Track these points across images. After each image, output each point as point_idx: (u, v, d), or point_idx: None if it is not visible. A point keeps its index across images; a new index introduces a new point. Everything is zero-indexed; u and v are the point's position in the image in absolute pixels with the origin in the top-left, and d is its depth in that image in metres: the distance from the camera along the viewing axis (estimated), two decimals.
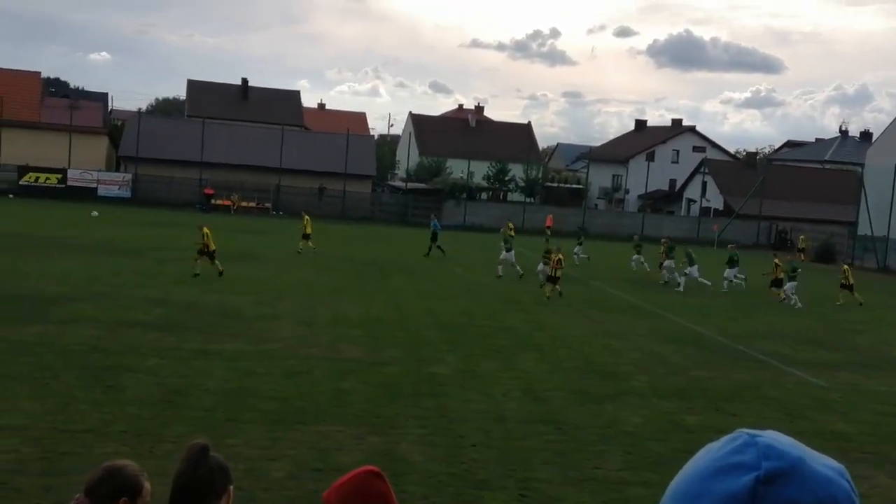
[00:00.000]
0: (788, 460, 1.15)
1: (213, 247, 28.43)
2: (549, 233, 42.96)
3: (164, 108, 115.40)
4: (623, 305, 29.32)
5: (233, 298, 24.21)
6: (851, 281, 34.73)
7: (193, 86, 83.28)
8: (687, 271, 34.97)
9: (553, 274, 29.39)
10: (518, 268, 34.34)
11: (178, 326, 19.71)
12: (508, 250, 34.61)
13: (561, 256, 29.67)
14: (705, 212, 71.06)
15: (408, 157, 77.62)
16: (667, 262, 36.83)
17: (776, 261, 35.03)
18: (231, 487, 4.00)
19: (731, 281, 35.70)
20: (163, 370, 15.60)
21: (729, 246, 39.43)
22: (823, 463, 1.19)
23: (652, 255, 40.34)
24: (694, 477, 1.19)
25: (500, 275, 33.79)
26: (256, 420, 13.05)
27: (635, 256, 40.34)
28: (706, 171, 73.25)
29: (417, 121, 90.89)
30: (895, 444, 14.53)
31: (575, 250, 41.75)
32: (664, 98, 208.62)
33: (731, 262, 35.85)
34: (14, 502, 9.37)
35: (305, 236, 38.40)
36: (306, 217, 39.78)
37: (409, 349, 19.24)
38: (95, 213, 46.97)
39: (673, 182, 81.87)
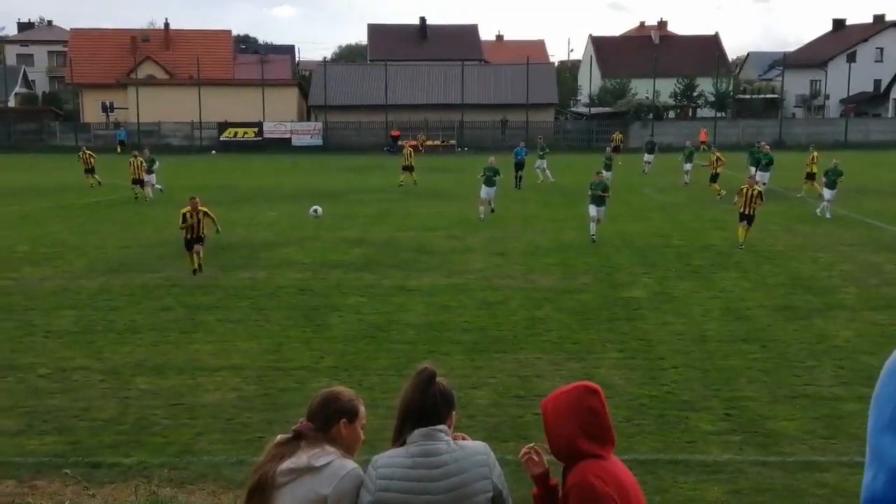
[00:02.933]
0: None
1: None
2: (704, 147, 41.64)
3: (348, 55, 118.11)
4: (829, 220, 27.85)
5: (426, 235, 24.74)
6: (815, 170, 33.36)
7: (374, 30, 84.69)
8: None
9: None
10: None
11: (376, 264, 20.37)
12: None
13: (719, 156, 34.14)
14: None
15: (590, 82, 76.15)
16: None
17: (716, 154, 34.47)
18: (454, 413, 4.14)
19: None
20: (365, 307, 16.20)
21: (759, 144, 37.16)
22: None
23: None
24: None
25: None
26: (456, 351, 13.36)
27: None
28: None
29: (598, 43, 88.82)
30: None
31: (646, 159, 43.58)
32: None
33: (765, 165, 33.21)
34: (242, 435, 10.05)
35: (407, 168, 38.37)
36: (408, 148, 39.77)
37: (602, 274, 19.10)
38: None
39: (878, 83, 76.44)
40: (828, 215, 27.93)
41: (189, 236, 18.89)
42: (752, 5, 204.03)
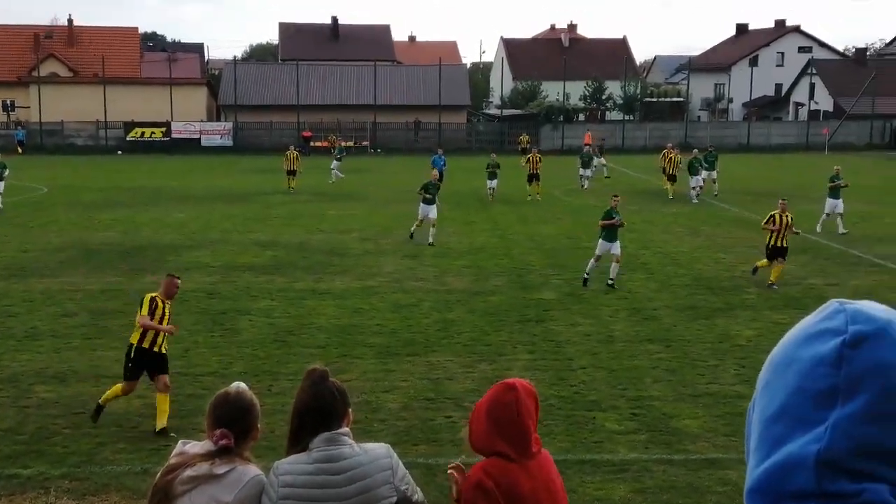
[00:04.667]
0: (876, 324, 1.13)
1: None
2: (588, 149, 40.96)
3: (259, 54, 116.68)
4: (732, 217, 28.65)
5: (338, 237, 24.61)
6: (675, 171, 33.97)
7: (285, 28, 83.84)
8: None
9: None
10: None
11: (288, 267, 20.17)
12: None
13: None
14: (814, 115, 68.35)
15: (501, 84, 76.78)
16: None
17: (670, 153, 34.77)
18: (350, 411, 4.12)
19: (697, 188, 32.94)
20: (275, 311, 16.04)
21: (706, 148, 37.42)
22: None
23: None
24: (786, 345, 1.20)
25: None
26: (368, 354, 13.33)
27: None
28: (813, 71, 70.25)
29: (509, 45, 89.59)
30: None
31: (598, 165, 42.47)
32: None
33: (697, 169, 33.09)
34: (147, 444, 9.84)
35: (290, 173, 36.26)
36: (291, 153, 36.88)
37: (513, 276, 19.28)
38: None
39: (779, 87, 78.85)
40: (695, 200, 31.45)
41: (146, 348, 10.41)
42: (659, 10, 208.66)
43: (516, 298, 17.14)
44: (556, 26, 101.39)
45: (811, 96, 69.27)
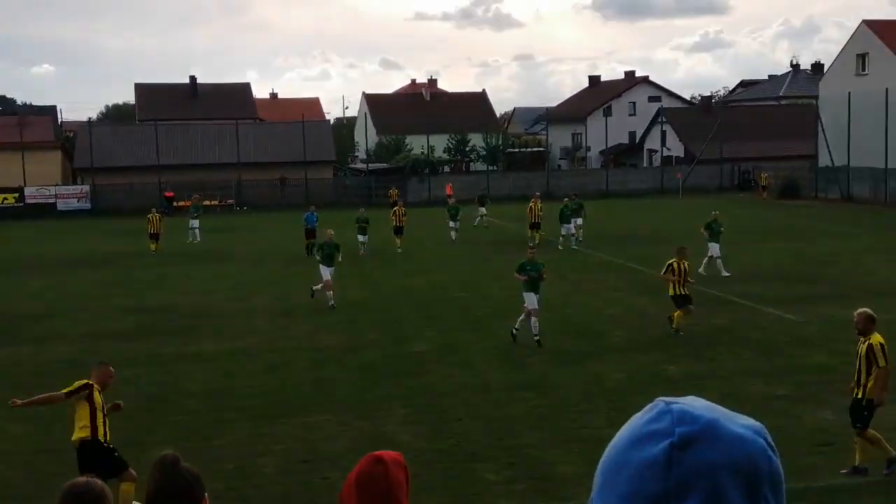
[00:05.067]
0: (701, 423, 1.15)
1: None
2: (451, 201, 41.01)
3: (115, 115, 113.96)
4: (596, 262, 29.45)
5: (207, 298, 24.06)
6: (538, 220, 34.85)
7: (142, 89, 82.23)
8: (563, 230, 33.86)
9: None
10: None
11: (153, 332, 19.57)
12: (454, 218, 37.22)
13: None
14: (667, 161, 71.32)
15: (366, 138, 77.25)
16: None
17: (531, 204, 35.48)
18: (206, 497, 3.99)
19: (569, 235, 33.76)
20: (142, 378, 15.50)
21: (571, 195, 37.99)
22: (741, 423, 1.18)
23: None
24: (615, 449, 1.21)
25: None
26: (241, 418, 13.02)
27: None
28: (664, 119, 73.45)
29: (372, 100, 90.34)
30: None
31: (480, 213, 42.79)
32: (615, 51, 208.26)
33: (568, 217, 33.62)
34: None
35: (154, 236, 35.21)
36: (154, 215, 35.86)
37: (387, 330, 19.24)
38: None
39: (633, 134, 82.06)
40: (573, 246, 32.54)
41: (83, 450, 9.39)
42: (514, 63, 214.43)
43: (391, 352, 17.09)
44: (417, 80, 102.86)
45: (663, 143, 72.32)
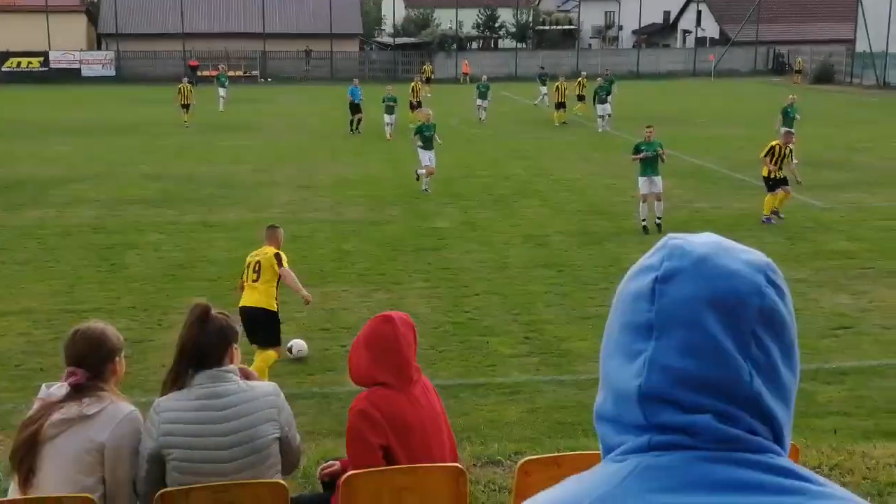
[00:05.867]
0: (690, 259, 1.14)
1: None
2: (483, 78, 39.70)
3: None
4: (623, 144, 29.12)
5: (230, 168, 24.10)
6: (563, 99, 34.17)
7: None
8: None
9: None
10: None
11: (177, 200, 19.69)
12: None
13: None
14: (701, 42, 69.64)
15: (393, 12, 75.71)
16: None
17: (559, 83, 34.75)
18: (235, 348, 4.05)
19: (605, 115, 32.92)
20: (164, 245, 15.67)
21: (604, 72, 37.43)
22: (741, 258, 1.16)
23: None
24: (622, 281, 1.23)
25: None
26: None
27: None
28: None
29: None
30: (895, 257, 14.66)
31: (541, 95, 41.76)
32: None
33: (604, 97, 32.67)
34: (31, 382, 9.56)
35: (185, 107, 34.32)
36: (185, 86, 34.97)
37: (408, 206, 19.25)
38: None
39: (667, 14, 79.91)
40: (606, 128, 31.53)
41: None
42: None
43: (412, 228, 17.13)
44: None
45: (698, 23, 70.47)
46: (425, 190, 20.50)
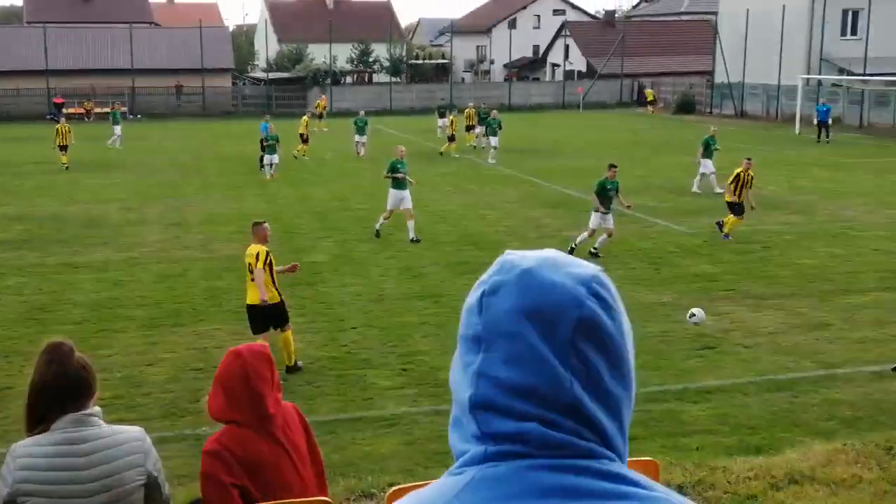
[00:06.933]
0: (514, 272, 1.20)
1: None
2: (361, 113, 39.05)
3: (2, 18, 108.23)
4: (497, 177, 29.61)
5: (97, 207, 23.42)
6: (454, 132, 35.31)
7: None
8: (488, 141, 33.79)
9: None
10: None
11: (40, 241, 19.00)
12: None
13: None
14: (569, 75, 71.63)
15: (266, 47, 75.21)
16: (478, 129, 37.91)
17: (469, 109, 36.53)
18: (96, 387, 3.92)
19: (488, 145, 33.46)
20: (26, 288, 15.09)
21: (492, 112, 37.98)
22: (569, 272, 1.20)
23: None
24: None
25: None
26: (130, 328, 12.82)
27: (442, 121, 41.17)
28: (567, 33, 73.53)
29: (272, 7, 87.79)
30: (754, 279, 15.33)
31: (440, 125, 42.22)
32: None
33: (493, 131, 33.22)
34: None
35: (63, 148, 32.26)
36: (62, 126, 32.83)
37: (284, 240, 19.06)
38: None
39: (536, 48, 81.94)
40: (491, 161, 31.89)
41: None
42: None
43: (287, 262, 16.94)
44: None
45: (566, 57, 72.52)
46: (416, 240, 18.62)
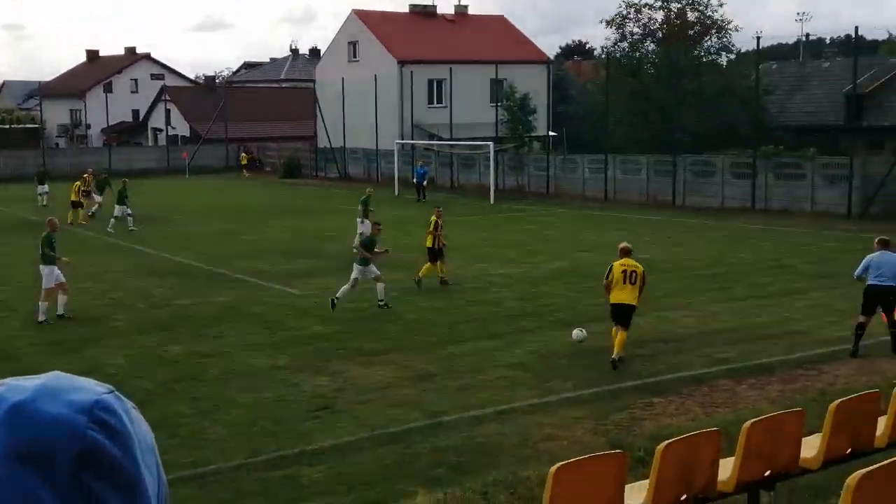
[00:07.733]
0: (3, 409, 1.04)
1: None
2: None
3: None
4: (100, 244, 28.17)
5: None
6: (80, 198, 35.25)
7: None
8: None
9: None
10: None
11: None
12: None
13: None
14: (173, 140, 70.31)
15: None
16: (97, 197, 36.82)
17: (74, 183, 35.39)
18: None
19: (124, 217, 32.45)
20: None
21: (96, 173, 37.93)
22: (66, 400, 1.07)
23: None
24: None
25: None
26: None
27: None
28: (167, 98, 72.24)
29: None
30: (365, 336, 15.92)
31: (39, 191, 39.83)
32: (113, 25, 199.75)
33: (121, 198, 32.61)
34: None
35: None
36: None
37: None
38: None
39: (136, 112, 79.50)
40: (133, 227, 31.19)
41: None
42: (4, 33, 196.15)
43: None
44: None
45: (168, 122, 71.19)
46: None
